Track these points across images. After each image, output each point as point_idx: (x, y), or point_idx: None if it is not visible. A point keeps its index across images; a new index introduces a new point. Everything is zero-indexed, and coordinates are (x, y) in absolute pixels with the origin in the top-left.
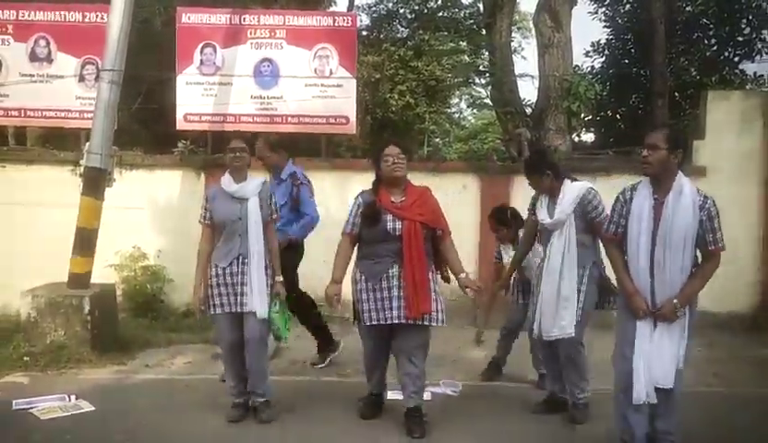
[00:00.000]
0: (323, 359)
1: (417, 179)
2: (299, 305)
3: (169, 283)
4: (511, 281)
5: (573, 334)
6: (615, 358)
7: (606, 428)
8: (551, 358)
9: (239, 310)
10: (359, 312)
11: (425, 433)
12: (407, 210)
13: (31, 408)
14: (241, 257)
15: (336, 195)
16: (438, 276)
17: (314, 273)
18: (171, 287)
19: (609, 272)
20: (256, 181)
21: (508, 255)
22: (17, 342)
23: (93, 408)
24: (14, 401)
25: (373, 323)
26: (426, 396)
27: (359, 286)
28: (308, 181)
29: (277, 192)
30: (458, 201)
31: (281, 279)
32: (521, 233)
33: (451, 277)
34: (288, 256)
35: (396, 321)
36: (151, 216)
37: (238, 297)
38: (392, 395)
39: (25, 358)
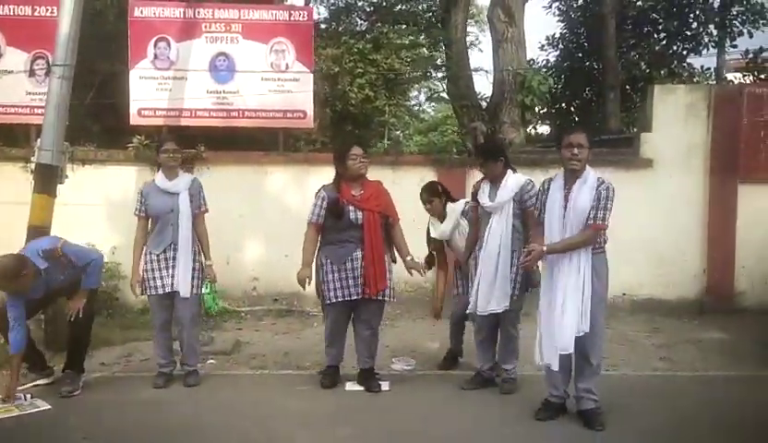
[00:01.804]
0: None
1: (376, 172)
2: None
3: (124, 280)
4: (452, 270)
5: (509, 307)
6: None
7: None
8: (485, 337)
9: (169, 291)
10: (324, 291)
11: (380, 387)
12: (366, 202)
13: None
14: (173, 245)
15: (294, 189)
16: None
17: (277, 265)
18: (126, 284)
19: None
20: (186, 178)
21: (435, 229)
22: None
23: (50, 406)
24: None
25: (338, 300)
26: (385, 386)
27: (325, 269)
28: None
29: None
30: (415, 194)
31: (211, 263)
32: (450, 207)
33: (398, 258)
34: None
35: (357, 297)
36: (105, 212)
37: (169, 279)
38: (350, 387)
39: None
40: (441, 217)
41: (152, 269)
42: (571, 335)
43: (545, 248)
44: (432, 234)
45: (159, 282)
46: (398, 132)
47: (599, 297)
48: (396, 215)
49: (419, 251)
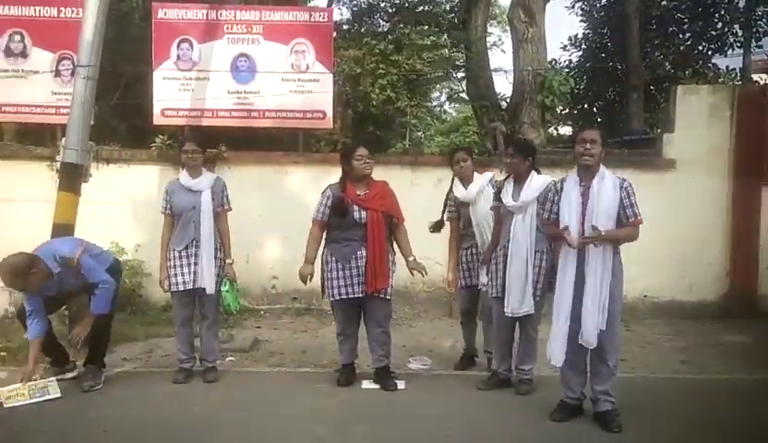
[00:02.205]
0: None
1: (395, 173)
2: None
3: (147, 277)
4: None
5: (533, 311)
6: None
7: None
8: (503, 338)
9: (192, 287)
10: (328, 289)
11: (396, 386)
12: (370, 202)
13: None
14: (194, 242)
15: (313, 189)
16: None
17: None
18: (149, 281)
19: None
20: (210, 176)
21: (459, 191)
22: None
23: (59, 394)
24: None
25: (342, 297)
26: (401, 385)
27: (330, 266)
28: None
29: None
30: (434, 193)
31: (231, 261)
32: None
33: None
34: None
35: (360, 295)
36: (129, 211)
37: (190, 276)
38: (367, 385)
39: (2, 353)
40: (468, 181)
41: (174, 266)
42: (594, 330)
43: (603, 232)
44: (456, 194)
45: (180, 279)
46: (419, 133)
47: (615, 298)
48: (401, 215)
49: (436, 250)
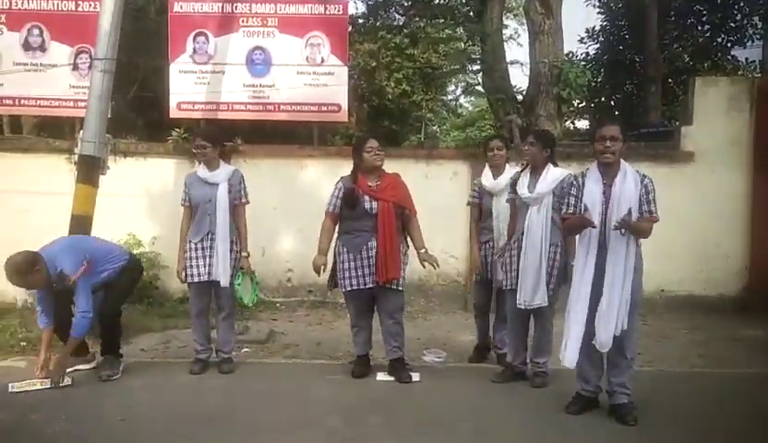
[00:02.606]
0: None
1: (410, 166)
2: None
3: (164, 270)
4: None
5: (547, 304)
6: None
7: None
8: (518, 331)
9: (207, 279)
10: (340, 280)
11: (411, 378)
12: (381, 193)
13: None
14: (210, 234)
15: (328, 182)
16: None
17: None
18: (166, 273)
19: None
20: (227, 168)
21: (488, 180)
22: (13, 328)
23: (70, 382)
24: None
25: (353, 288)
26: (415, 377)
27: (342, 257)
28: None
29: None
30: (448, 187)
31: (247, 254)
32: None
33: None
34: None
35: (371, 285)
36: (146, 203)
37: (205, 268)
38: (381, 377)
39: (22, 343)
40: (499, 171)
41: (191, 258)
42: (609, 334)
43: (628, 219)
44: (484, 182)
45: (196, 270)
46: (434, 127)
47: (634, 290)
48: (413, 207)
49: (452, 244)
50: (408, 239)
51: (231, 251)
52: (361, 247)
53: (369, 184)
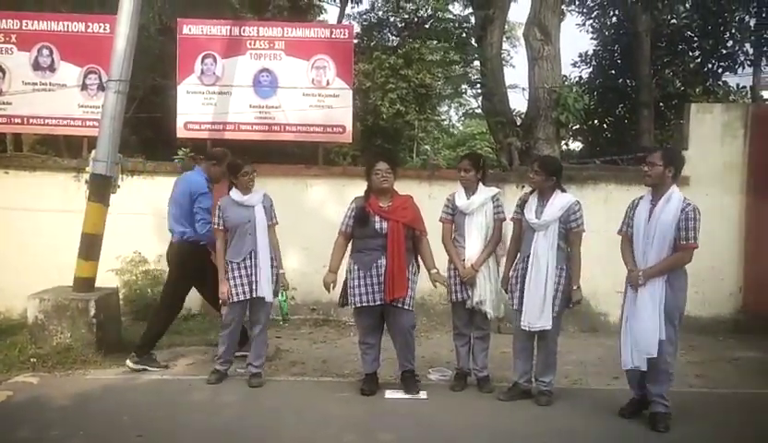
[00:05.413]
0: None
1: (412, 186)
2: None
3: None
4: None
5: (551, 327)
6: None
7: None
8: (524, 350)
9: (253, 296)
10: (350, 296)
11: (419, 390)
12: (392, 213)
13: None
14: (252, 253)
15: (332, 201)
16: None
17: (315, 275)
18: None
19: None
20: (259, 192)
21: (460, 198)
22: (23, 344)
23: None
24: None
25: (363, 304)
26: (422, 395)
27: (353, 275)
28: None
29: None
30: None
31: (283, 271)
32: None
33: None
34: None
35: (380, 303)
36: (152, 222)
37: (247, 286)
38: (390, 394)
39: (32, 359)
40: (470, 191)
41: (234, 277)
42: (655, 340)
43: (641, 275)
44: (457, 202)
45: (241, 289)
46: (427, 146)
47: (672, 307)
48: (424, 228)
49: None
50: (419, 259)
51: (272, 267)
52: (371, 265)
53: (381, 204)
